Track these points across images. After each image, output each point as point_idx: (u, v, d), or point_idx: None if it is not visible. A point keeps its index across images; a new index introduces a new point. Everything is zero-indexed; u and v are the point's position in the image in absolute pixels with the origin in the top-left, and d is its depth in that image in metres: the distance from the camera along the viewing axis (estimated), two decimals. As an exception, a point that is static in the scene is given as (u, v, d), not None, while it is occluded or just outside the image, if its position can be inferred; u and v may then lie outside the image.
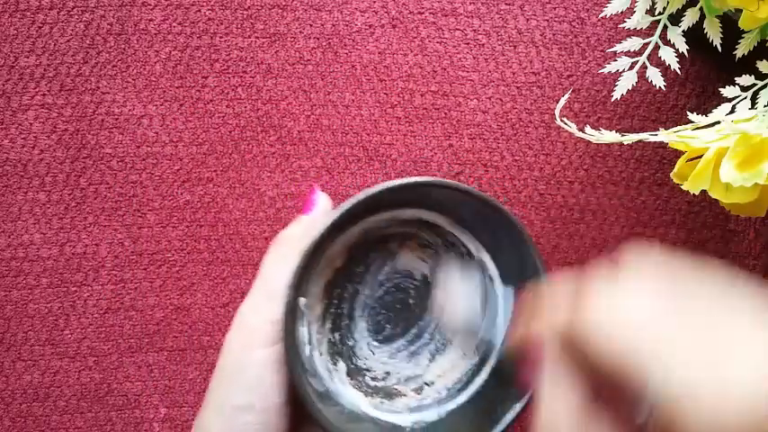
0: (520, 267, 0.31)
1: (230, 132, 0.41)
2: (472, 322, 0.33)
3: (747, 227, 0.42)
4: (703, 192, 0.30)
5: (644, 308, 0.22)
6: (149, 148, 0.41)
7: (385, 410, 0.32)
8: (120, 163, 0.41)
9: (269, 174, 0.41)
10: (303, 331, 0.30)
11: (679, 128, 0.33)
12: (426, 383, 0.33)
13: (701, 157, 0.30)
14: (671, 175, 0.32)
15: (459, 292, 0.33)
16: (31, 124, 0.41)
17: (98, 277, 0.41)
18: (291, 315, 0.27)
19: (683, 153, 0.32)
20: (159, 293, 0.41)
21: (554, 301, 0.26)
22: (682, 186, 0.31)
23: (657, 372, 0.20)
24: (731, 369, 0.20)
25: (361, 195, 0.28)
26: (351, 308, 0.33)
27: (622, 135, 0.33)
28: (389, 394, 0.33)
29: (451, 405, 0.32)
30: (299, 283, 0.28)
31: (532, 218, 0.42)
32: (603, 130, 0.34)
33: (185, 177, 0.41)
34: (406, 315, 0.34)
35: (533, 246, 0.30)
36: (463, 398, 0.32)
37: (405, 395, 0.33)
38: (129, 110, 0.41)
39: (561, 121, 0.37)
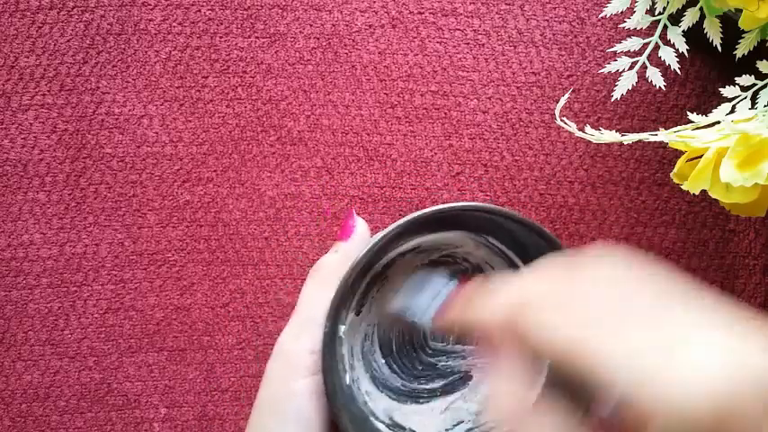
0: None
1: (230, 132, 0.41)
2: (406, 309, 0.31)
3: (747, 227, 0.42)
4: (703, 192, 0.30)
5: (590, 302, 0.22)
6: (149, 148, 0.41)
7: None
8: (120, 163, 0.41)
9: (269, 174, 0.41)
10: (344, 359, 0.30)
11: (679, 128, 0.33)
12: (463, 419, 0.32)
13: (701, 157, 0.30)
14: (671, 175, 0.32)
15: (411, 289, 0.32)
16: (31, 124, 0.41)
17: (98, 277, 0.41)
18: (330, 345, 0.27)
19: (683, 153, 0.32)
20: (159, 293, 0.41)
21: (499, 287, 0.25)
22: (682, 186, 0.31)
23: (613, 367, 0.20)
24: (687, 354, 0.20)
25: (401, 221, 0.27)
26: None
27: (622, 135, 0.33)
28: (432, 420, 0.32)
29: None
30: (338, 313, 0.28)
31: (532, 218, 0.42)
32: (603, 130, 0.34)
33: (185, 177, 0.41)
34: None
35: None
36: None
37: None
38: (129, 110, 0.41)
39: (561, 121, 0.37)
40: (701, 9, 0.35)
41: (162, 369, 0.41)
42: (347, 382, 0.30)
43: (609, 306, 0.22)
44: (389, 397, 0.32)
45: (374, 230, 0.33)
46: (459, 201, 0.30)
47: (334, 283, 0.28)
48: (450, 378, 0.33)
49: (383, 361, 0.32)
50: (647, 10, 0.36)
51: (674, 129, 0.33)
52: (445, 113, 0.42)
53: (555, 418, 0.23)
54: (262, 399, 0.28)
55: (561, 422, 0.23)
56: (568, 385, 0.23)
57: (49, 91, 0.41)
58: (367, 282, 0.31)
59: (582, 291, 0.23)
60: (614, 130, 0.35)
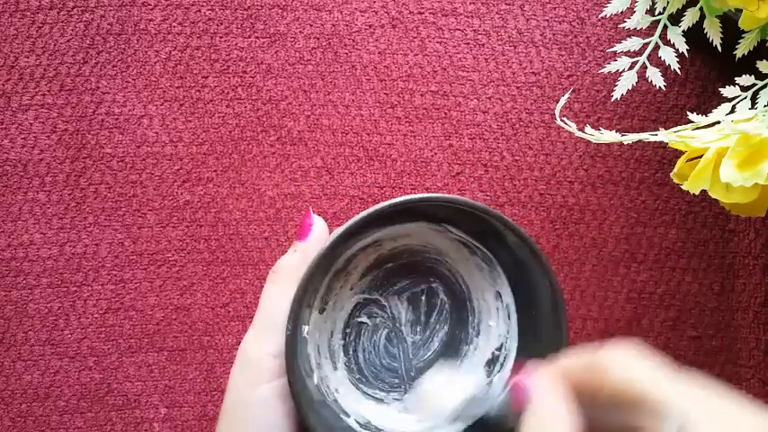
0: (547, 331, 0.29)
1: (230, 132, 0.41)
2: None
3: (747, 227, 0.42)
4: (703, 192, 0.30)
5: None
6: (149, 148, 0.41)
7: None
8: (120, 163, 0.41)
9: (269, 174, 0.41)
10: (310, 359, 0.30)
11: (679, 128, 0.33)
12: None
13: (701, 157, 0.30)
14: (671, 175, 0.32)
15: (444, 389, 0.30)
16: (31, 124, 0.41)
17: (98, 277, 0.41)
18: (293, 346, 0.27)
19: (683, 153, 0.32)
20: (159, 293, 0.41)
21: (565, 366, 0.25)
22: (682, 186, 0.31)
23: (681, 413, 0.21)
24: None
25: (357, 217, 0.27)
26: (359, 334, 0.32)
27: (622, 135, 0.33)
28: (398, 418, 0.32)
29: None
30: (299, 313, 0.27)
31: (532, 218, 0.42)
32: (603, 130, 0.34)
33: (185, 177, 0.41)
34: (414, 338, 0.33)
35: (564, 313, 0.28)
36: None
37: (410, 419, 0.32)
38: (129, 110, 0.41)
39: (561, 121, 0.37)
40: (701, 9, 0.35)
41: (162, 369, 0.41)
42: (315, 382, 0.29)
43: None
44: (361, 391, 0.32)
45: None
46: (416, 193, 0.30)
47: (294, 283, 0.27)
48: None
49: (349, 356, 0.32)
50: (647, 10, 0.36)
51: (674, 129, 0.33)
52: (445, 113, 0.42)
53: None
54: (226, 407, 0.27)
55: None
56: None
57: (49, 91, 0.41)
58: (329, 278, 0.31)
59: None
60: (614, 130, 0.35)
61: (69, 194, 0.41)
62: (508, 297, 0.31)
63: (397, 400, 0.32)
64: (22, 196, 0.41)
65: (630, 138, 0.33)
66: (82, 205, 0.41)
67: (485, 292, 0.32)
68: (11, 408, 0.40)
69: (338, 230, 0.28)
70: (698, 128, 0.33)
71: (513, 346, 0.31)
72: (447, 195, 0.28)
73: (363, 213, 0.27)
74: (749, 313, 0.41)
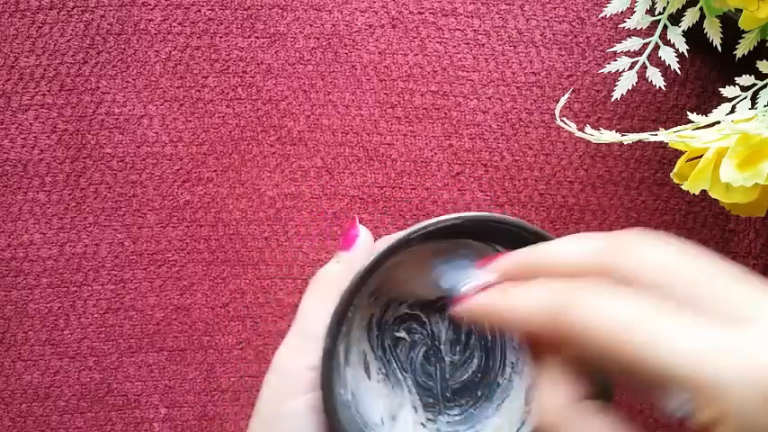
0: None
1: (230, 132, 0.41)
2: None
3: (747, 227, 0.42)
4: (703, 192, 0.30)
5: (655, 286, 0.20)
6: (149, 148, 0.41)
7: None
8: (120, 163, 0.41)
9: (269, 174, 0.41)
10: (345, 375, 0.29)
11: (679, 128, 0.33)
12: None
13: (701, 157, 0.30)
14: (671, 175, 0.32)
15: None
16: (31, 124, 0.41)
17: (98, 277, 0.41)
18: (329, 361, 0.26)
19: (683, 153, 0.32)
20: (159, 293, 0.41)
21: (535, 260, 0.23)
22: (682, 186, 0.31)
23: (690, 361, 0.18)
24: (763, 333, 0.18)
25: (404, 233, 0.26)
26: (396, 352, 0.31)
27: (622, 135, 0.33)
28: None
29: None
30: (338, 328, 0.26)
31: (532, 218, 0.42)
32: (603, 130, 0.34)
33: (185, 177, 0.41)
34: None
35: None
36: None
37: None
38: (129, 110, 0.41)
39: (561, 121, 0.37)
40: (701, 9, 0.35)
41: (162, 369, 0.41)
42: (348, 397, 0.28)
43: (673, 290, 0.20)
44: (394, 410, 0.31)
45: (373, 231, 0.33)
46: (463, 212, 0.28)
47: (335, 295, 0.26)
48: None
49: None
50: (647, 10, 0.36)
51: (674, 129, 0.33)
52: (445, 113, 0.42)
53: (605, 420, 0.21)
54: (259, 413, 0.27)
55: (612, 424, 0.21)
56: (625, 381, 0.21)
57: (49, 91, 0.41)
58: (369, 293, 0.30)
59: (642, 272, 0.20)
60: (614, 130, 0.35)
61: (69, 194, 0.41)
62: None
63: (431, 420, 0.31)
64: (22, 196, 0.41)
65: (630, 138, 0.33)
66: (82, 205, 0.41)
67: None
68: (11, 408, 0.40)
69: (385, 245, 0.26)
70: (698, 128, 0.33)
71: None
72: (502, 216, 0.27)
73: (411, 229, 0.26)
74: (749, 313, 0.41)
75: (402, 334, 0.31)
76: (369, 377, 0.30)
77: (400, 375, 0.30)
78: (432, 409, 0.31)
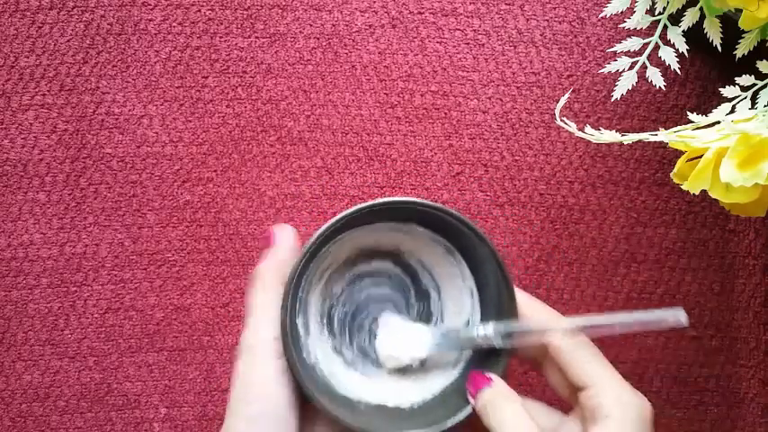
0: (498, 304, 0.33)
1: (230, 132, 0.42)
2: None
3: (747, 227, 0.42)
4: (703, 192, 0.30)
5: None
6: (149, 148, 0.41)
7: (386, 397, 0.34)
8: (120, 163, 0.41)
9: (269, 174, 0.41)
10: (306, 342, 0.33)
11: (679, 128, 0.33)
12: (418, 370, 0.35)
13: (701, 157, 0.30)
14: (671, 175, 0.32)
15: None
16: (31, 124, 0.41)
17: (98, 277, 0.41)
18: (286, 332, 0.30)
19: (683, 153, 0.32)
20: (159, 293, 0.41)
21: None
22: (682, 186, 0.31)
23: None
24: None
25: (333, 220, 0.30)
26: (345, 309, 0.35)
27: (622, 135, 0.33)
28: (388, 382, 0.35)
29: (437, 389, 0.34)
30: (292, 301, 0.30)
31: (532, 218, 0.42)
32: (603, 130, 0.34)
33: (185, 177, 0.41)
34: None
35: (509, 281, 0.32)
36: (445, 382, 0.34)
37: (401, 381, 0.35)
38: (129, 110, 0.41)
39: (561, 121, 0.37)
40: (701, 9, 0.35)
41: (162, 369, 0.41)
42: (312, 360, 0.33)
43: None
44: (346, 367, 0.35)
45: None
46: (392, 196, 0.35)
47: (277, 284, 0.30)
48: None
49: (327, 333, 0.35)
50: (647, 10, 0.36)
51: (674, 129, 0.33)
52: (445, 113, 0.42)
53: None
54: (234, 386, 0.29)
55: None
56: None
57: (49, 91, 0.41)
58: (312, 267, 0.33)
59: None
60: (614, 130, 0.35)
61: (69, 194, 0.41)
62: (470, 280, 0.34)
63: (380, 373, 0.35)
64: (22, 196, 0.41)
65: (630, 138, 0.33)
66: (82, 205, 0.41)
67: (452, 277, 0.35)
68: (11, 408, 0.40)
69: (322, 228, 0.31)
70: (698, 128, 0.33)
71: (477, 318, 0.34)
72: (406, 198, 0.32)
73: (340, 215, 0.30)
74: (749, 313, 0.41)
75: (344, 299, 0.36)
76: (326, 341, 0.34)
77: (347, 340, 0.35)
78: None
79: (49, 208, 0.41)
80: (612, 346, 0.40)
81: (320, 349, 0.34)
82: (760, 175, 0.28)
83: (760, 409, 0.41)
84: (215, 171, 0.41)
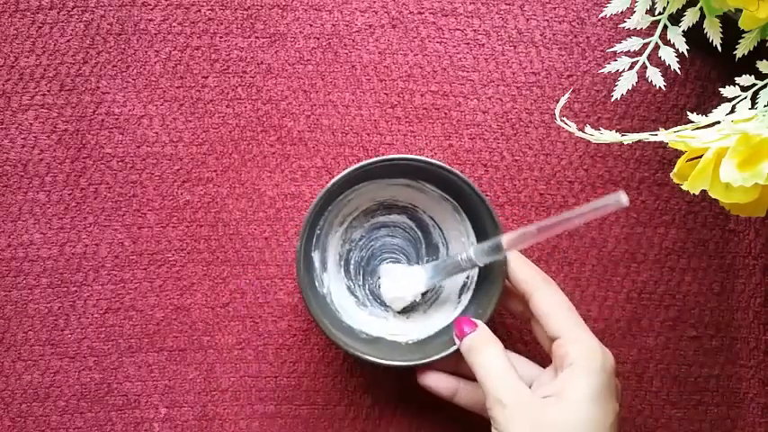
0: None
1: (230, 132, 0.42)
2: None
3: (747, 227, 0.42)
4: (703, 192, 0.30)
5: None
6: (149, 148, 0.41)
7: (387, 333, 0.39)
8: (120, 163, 0.41)
9: (269, 174, 0.41)
10: (321, 276, 0.39)
11: (679, 128, 0.33)
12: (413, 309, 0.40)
13: (701, 157, 0.30)
14: (671, 175, 0.32)
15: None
16: (31, 124, 0.41)
17: (98, 277, 0.41)
18: (304, 255, 0.36)
19: (683, 153, 0.32)
20: (159, 293, 0.41)
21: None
22: (682, 186, 0.31)
23: None
24: None
25: (350, 168, 0.36)
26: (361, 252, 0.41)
27: (622, 135, 0.33)
28: (393, 322, 0.40)
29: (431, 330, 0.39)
30: (308, 241, 0.37)
31: (532, 218, 0.42)
32: (603, 130, 0.34)
33: (185, 177, 0.41)
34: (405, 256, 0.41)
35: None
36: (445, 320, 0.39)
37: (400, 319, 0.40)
38: (129, 110, 0.41)
39: (561, 121, 0.37)
40: (701, 9, 0.35)
41: (162, 369, 0.41)
42: (324, 291, 0.38)
43: None
44: (357, 304, 0.40)
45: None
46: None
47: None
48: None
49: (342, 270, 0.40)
50: (647, 10, 0.36)
51: (674, 129, 0.33)
52: (445, 113, 0.42)
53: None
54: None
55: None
56: None
57: (49, 91, 0.41)
58: (328, 213, 0.38)
59: None
60: (614, 130, 0.35)
61: (69, 194, 0.41)
62: (471, 236, 0.39)
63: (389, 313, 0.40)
64: (22, 196, 0.41)
65: (630, 138, 0.33)
66: (82, 205, 0.41)
67: (457, 234, 0.40)
68: (11, 408, 0.40)
69: (339, 175, 0.36)
70: (698, 128, 0.33)
71: (475, 272, 0.39)
72: (413, 156, 0.37)
73: (356, 165, 0.36)
74: (749, 313, 0.41)
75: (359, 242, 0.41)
76: (342, 281, 0.40)
77: (360, 282, 0.40)
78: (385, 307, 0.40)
79: (49, 208, 0.41)
80: (613, 347, 0.40)
81: (335, 285, 0.39)
82: (760, 175, 0.28)
83: (760, 409, 0.41)
84: (215, 171, 0.41)
